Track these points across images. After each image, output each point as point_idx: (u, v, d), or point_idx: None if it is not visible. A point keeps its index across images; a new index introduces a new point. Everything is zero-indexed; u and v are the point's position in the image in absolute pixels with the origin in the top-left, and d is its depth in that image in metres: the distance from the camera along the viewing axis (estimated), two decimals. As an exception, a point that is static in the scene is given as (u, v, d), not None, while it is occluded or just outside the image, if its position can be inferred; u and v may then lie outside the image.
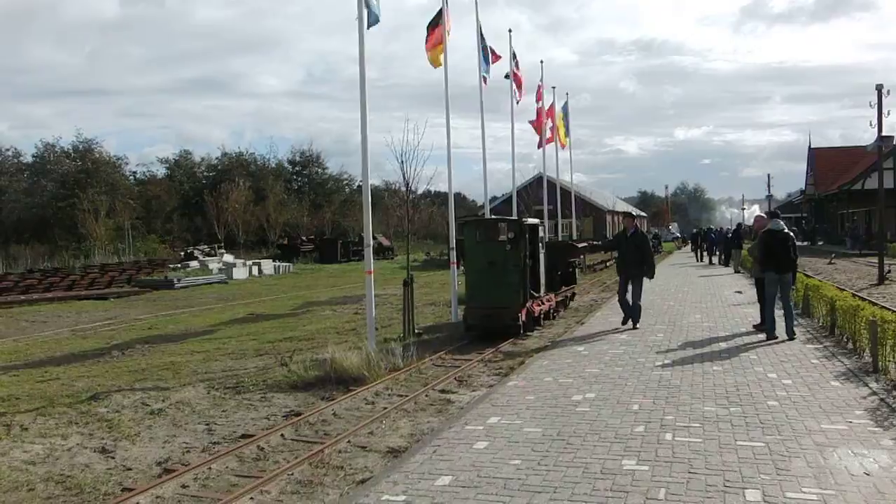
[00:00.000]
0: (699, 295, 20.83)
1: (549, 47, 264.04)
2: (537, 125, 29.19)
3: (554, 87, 32.76)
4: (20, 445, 7.71)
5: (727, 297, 19.96)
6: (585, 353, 11.54)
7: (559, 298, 17.30)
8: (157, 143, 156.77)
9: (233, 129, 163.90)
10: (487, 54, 20.02)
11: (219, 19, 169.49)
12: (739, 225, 38.39)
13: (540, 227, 15.41)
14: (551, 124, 31.11)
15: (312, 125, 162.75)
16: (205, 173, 79.80)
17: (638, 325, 14.04)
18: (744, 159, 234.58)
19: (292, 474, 6.60)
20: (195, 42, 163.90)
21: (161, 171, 78.08)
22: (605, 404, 8.21)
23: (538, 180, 45.38)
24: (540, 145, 30.03)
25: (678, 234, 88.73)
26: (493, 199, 38.20)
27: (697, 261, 40.64)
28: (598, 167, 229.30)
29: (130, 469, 6.97)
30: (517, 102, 24.61)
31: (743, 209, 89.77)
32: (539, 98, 29.02)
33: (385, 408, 8.82)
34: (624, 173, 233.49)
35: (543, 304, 15.28)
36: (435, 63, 16.19)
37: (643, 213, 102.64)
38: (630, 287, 14.22)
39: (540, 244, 15.28)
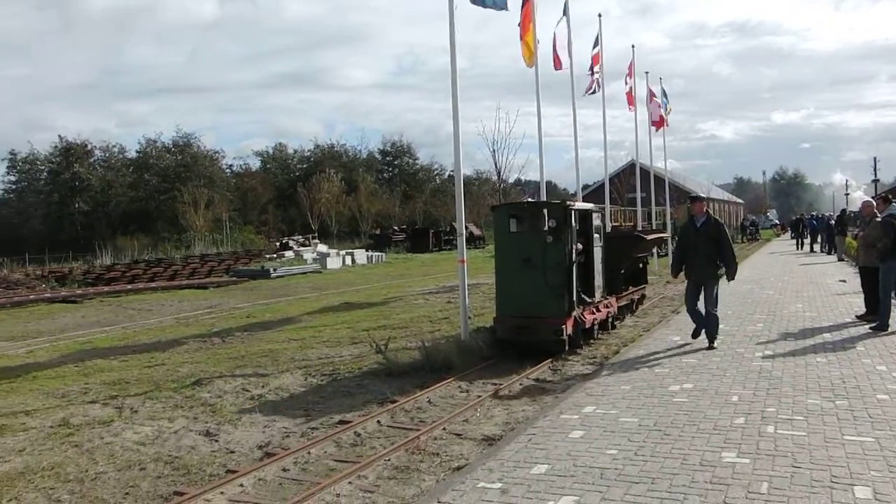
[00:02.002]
0: (800, 284, 20.15)
1: (639, 32, 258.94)
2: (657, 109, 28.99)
3: (647, 73, 32.15)
4: (131, 427, 8.06)
5: (830, 285, 19.25)
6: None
7: (623, 302, 14.11)
8: (253, 137, 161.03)
9: (325, 122, 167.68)
10: (571, 46, 19.77)
11: (308, 15, 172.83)
12: (843, 211, 36.91)
13: (595, 214, 12.33)
14: (655, 108, 30.59)
15: (402, 116, 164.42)
16: (298, 165, 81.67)
17: (716, 344, 10.82)
18: (847, 142, 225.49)
19: (389, 460, 6.70)
20: (286, 38, 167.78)
21: (256, 164, 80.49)
22: (703, 395, 8.04)
23: (630, 167, 44.66)
24: (660, 125, 29.66)
25: (777, 221, 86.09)
26: (585, 186, 37.78)
27: (798, 249, 39.32)
28: (691, 153, 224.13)
29: (233, 452, 7.19)
30: (592, 92, 24.24)
31: (846, 194, 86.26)
32: (630, 76, 28.49)
33: (479, 396, 8.85)
34: (718, 159, 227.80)
35: (599, 311, 12.11)
36: (528, 62, 16.08)
37: (739, 200, 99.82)
38: (703, 293, 11.09)
39: (595, 235, 12.25)
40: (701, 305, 11.04)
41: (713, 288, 10.95)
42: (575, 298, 11.06)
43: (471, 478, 5.77)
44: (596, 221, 12.34)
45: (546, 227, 10.87)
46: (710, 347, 10.74)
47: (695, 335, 11.18)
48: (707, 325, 10.97)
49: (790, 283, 20.25)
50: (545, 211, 11.08)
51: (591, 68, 22.88)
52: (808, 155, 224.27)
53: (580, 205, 12.06)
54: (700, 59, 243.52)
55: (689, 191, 67.95)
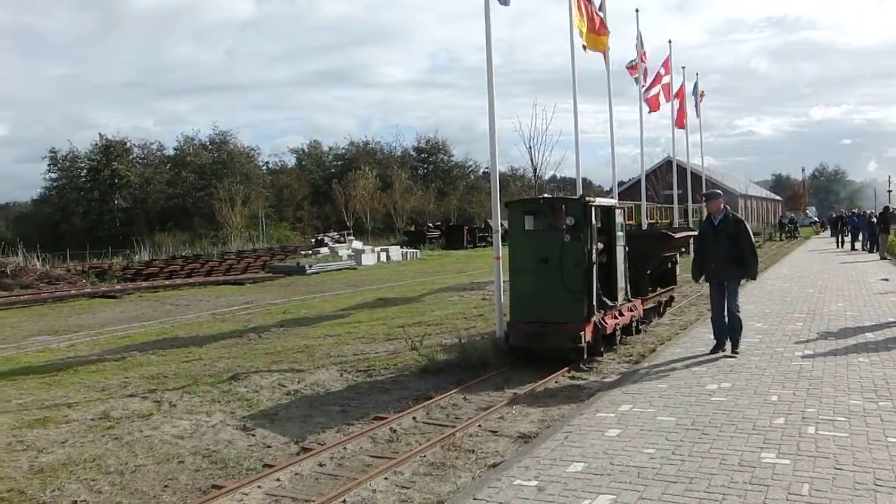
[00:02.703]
0: (841, 282, 19.81)
1: (676, 27, 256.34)
2: (678, 107, 28.70)
3: (684, 68, 31.79)
4: (170, 421, 8.16)
5: (872, 284, 18.90)
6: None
7: (649, 305, 13.22)
8: (289, 134, 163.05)
9: (360, 119, 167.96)
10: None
11: (344, 12, 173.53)
12: (886, 208, 36.21)
13: (617, 211, 11.53)
14: (678, 106, 30.26)
15: (437, 113, 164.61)
16: (333, 162, 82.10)
17: (738, 350, 10.13)
18: (890, 138, 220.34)
19: (425, 456, 6.71)
20: (322, 36, 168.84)
21: (291, 161, 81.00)
22: (741, 394, 7.95)
23: (667, 164, 44.27)
24: (681, 125, 29.39)
25: (816, 218, 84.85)
26: (620, 183, 37.47)
27: (837, 247, 38.68)
28: (728, 150, 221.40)
29: (270, 446, 7.25)
30: (642, 88, 24.06)
31: (889, 191, 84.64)
32: (667, 71, 28.19)
33: (515, 393, 8.83)
34: (756, 156, 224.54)
35: (622, 314, 11.33)
36: (599, 47, 16.11)
37: (777, 197, 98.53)
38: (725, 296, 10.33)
39: (619, 233, 11.46)
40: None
41: (736, 288, 10.33)
42: (595, 302, 10.34)
43: (507, 475, 5.76)
44: (619, 219, 11.55)
45: (564, 225, 10.21)
46: (734, 353, 10.06)
47: (714, 350, 10.22)
48: (730, 329, 10.24)
49: (830, 282, 19.92)
50: (563, 207, 10.43)
51: (636, 64, 22.77)
52: (849, 151, 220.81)
53: (601, 200, 11.39)
54: (737, 55, 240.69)
55: (725, 187, 67.29)
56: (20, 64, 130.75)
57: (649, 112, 25.66)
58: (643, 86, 23.45)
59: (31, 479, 6.43)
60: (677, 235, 14.40)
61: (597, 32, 16.05)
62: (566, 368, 9.88)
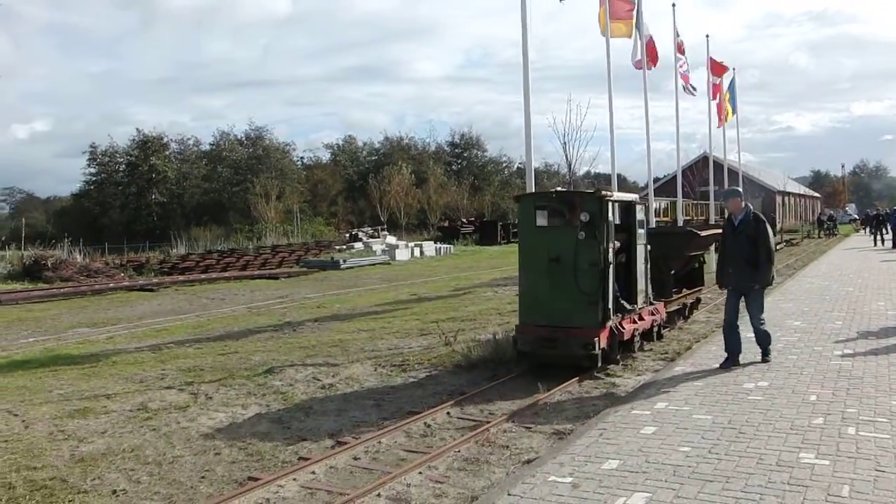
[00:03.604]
0: (882, 280, 19.46)
1: (713, 22, 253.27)
2: (717, 103, 28.45)
3: (721, 63, 31.46)
4: (206, 413, 8.26)
5: (914, 283, 18.55)
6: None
7: (673, 307, 12.52)
8: (323, 130, 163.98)
9: (394, 115, 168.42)
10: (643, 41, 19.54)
11: (378, 8, 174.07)
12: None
13: (637, 207, 10.68)
14: (717, 101, 30.01)
15: (471, 109, 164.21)
16: (367, 157, 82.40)
17: (769, 358, 9.46)
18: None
19: (459, 451, 6.71)
20: (356, 32, 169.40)
21: (326, 156, 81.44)
22: (779, 393, 7.85)
23: (703, 160, 43.84)
24: (720, 124, 29.13)
25: (855, 216, 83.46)
26: (655, 179, 37.07)
27: (876, 244, 37.99)
28: (766, 146, 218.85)
29: (305, 439, 7.30)
30: (684, 86, 23.84)
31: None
32: (717, 73, 27.96)
33: (549, 389, 8.79)
34: (794, 152, 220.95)
35: (642, 318, 10.56)
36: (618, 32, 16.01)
37: (816, 194, 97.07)
38: (745, 305, 9.52)
39: (639, 231, 10.60)
40: (745, 324, 9.44)
41: (758, 298, 9.41)
42: (611, 306, 9.50)
43: (541, 471, 5.75)
44: (639, 215, 10.67)
45: (578, 222, 9.36)
46: (765, 360, 9.43)
47: (725, 364, 9.29)
48: (758, 340, 9.49)
49: (870, 280, 19.58)
50: (577, 202, 9.57)
51: (677, 59, 22.61)
52: (890, 147, 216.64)
53: (619, 195, 10.50)
54: (776, 50, 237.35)
55: (762, 184, 66.47)
56: (62, 61, 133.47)
57: (684, 88, 25.43)
58: (687, 87, 23.23)
59: (72, 468, 6.54)
60: (703, 233, 13.43)
61: (619, 18, 15.92)
62: (599, 367, 9.80)
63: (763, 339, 9.46)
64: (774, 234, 9.62)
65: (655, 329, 11.22)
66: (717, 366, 9.27)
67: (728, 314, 9.49)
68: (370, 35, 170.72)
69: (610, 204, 9.56)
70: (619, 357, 9.76)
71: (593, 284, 9.29)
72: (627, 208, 10.50)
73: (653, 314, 11.02)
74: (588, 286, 9.30)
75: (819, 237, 53.42)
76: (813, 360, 9.45)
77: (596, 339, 9.12)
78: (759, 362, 9.40)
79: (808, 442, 6.20)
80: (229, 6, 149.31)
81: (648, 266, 10.94)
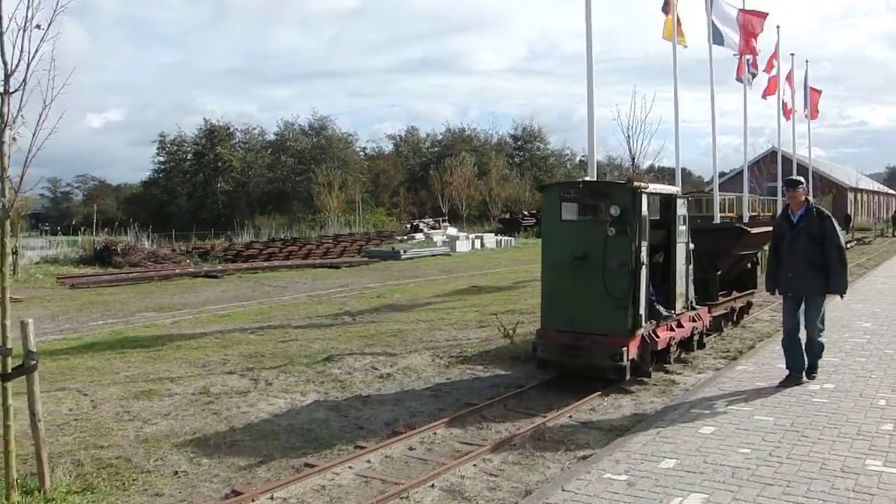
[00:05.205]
0: (958, 283, 18.76)
1: (784, 11, 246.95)
2: (771, 93, 27.67)
3: (793, 55, 30.68)
4: (266, 398, 8.39)
5: None
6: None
7: (719, 311, 11.43)
8: (387, 121, 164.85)
9: (457, 107, 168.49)
10: (719, 30, 19.20)
11: (442, 1, 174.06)
12: None
13: (679, 202, 9.51)
14: (790, 94, 29.24)
15: (534, 101, 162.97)
16: (430, 149, 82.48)
17: (815, 374, 8.36)
18: None
19: (514, 444, 6.68)
20: (421, 23, 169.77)
21: (388, 147, 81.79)
22: (845, 396, 7.63)
23: (770, 155, 42.80)
24: (787, 117, 28.41)
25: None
26: (721, 174, 36.35)
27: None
28: (838, 141, 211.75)
29: (362, 428, 7.36)
30: (752, 77, 23.30)
31: None
32: (769, 67, 27.23)
33: (607, 385, 8.70)
34: (869, 147, 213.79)
35: (681, 326, 9.53)
36: (667, 36, 15.79)
37: (892, 191, 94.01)
38: (802, 313, 8.32)
39: (680, 227, 9.45)
40: (803, 334, 8.32)
41: (818, 305, 8.28)
42: (643, 311, 8.53)
43: (596, 468, 5.69)
44: (681, 210, 9.50)
45: (609, 216, 8.35)
46: (810, 377, 8.31)
47: (786, 383, 8.17)
48: (809, 351, 8.33)
49: (946, 282, 18.90)
50: (608, 194, 8.64)
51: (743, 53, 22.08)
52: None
53: (656, 187, 9.59)
54: (851, 41, 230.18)
55: (834, 180, 64.58)
56: (135, 52, 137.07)
57: (763, 97, 24.95)
58: (753, 73, 22.67)
59: (136, 448, 6.72)
60: (754, 231, 12.00)
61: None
62: (661, 363, 9.65)
63: (816, 351, 8.40)
64: (846, 233, 8.68)
65: (696, 337, 10.19)
66: (778, 384, 8.21)
67: (787, 323, 8.42)
68: (434, 27, 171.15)
69: (644, 197, 8.48)
70: (650, 369, 8.83)
71: (623, 287, 8.32)
72: (666, 202, 9.53)
73: (693, 320, 9.96)
74: (617, 289, 8.34)
75: (893, 236, 51.77)
76: (883, 364, 9.16)
77: (624, 348, 8.20)
78: (805, 381, 8.23)
79: (875, 448, 6.02)
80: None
81: (691, 267, 9.90)
